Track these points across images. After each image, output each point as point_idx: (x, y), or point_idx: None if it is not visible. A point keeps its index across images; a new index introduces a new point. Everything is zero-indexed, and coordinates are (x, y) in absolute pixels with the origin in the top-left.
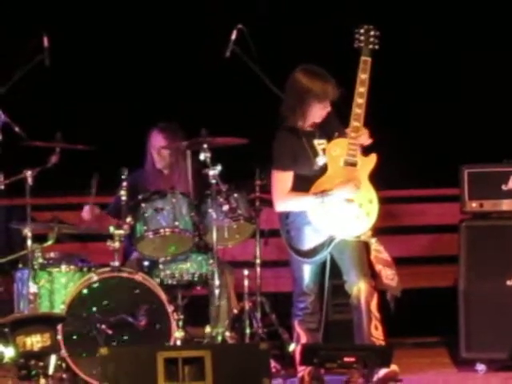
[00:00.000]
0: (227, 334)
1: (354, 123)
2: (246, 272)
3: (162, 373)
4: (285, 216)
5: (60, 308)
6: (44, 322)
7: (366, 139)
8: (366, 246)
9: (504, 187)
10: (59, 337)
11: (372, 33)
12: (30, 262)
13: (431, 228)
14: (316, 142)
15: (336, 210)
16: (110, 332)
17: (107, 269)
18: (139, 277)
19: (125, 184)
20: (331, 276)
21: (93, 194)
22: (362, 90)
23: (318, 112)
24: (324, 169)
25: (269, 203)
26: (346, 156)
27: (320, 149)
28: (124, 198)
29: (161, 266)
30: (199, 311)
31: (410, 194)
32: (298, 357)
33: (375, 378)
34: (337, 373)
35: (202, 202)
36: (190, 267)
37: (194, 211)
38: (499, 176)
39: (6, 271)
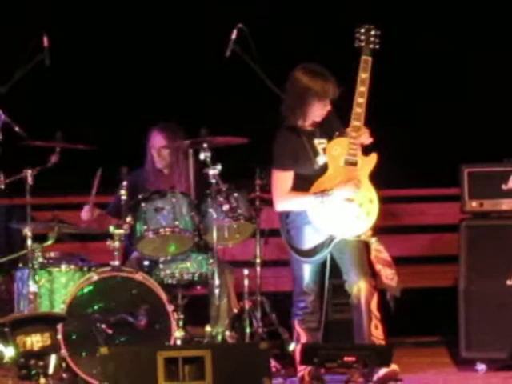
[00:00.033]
0: (227, 333)
1: (354, 122)
2: (246, 271)
3: (162, 372)
4: (285, 215)
5: (60, 308)
6: (44, 322)
7: (366, 139)
8: (366, 246)
9: (504, 187)
10: (59, 336)
11: (372, 32)
12: (30, 262)
13: (431, 227)
14: (316, 141)
15: (336, 209)
16: (110, 331)
17: (107, 268)
18: (139, 276)
19: (125, 184)
20: (331, 275)
21: (94, 189)
22: (362, 89)
23: (318, 111)
24: (324, 168)
25: (269, 203)
26: (346, 155)
27: (320, 148)
28: (124, 197)
29: (161, 266)
30: (199, 311)
31: (411, 193)
32: (298, 356)
33: (375, 378)
34: (337, 372)
35: (202, 201)
36: (190, 267)
37: (194, 211)
38: (499, 175)
39: (6, 271)
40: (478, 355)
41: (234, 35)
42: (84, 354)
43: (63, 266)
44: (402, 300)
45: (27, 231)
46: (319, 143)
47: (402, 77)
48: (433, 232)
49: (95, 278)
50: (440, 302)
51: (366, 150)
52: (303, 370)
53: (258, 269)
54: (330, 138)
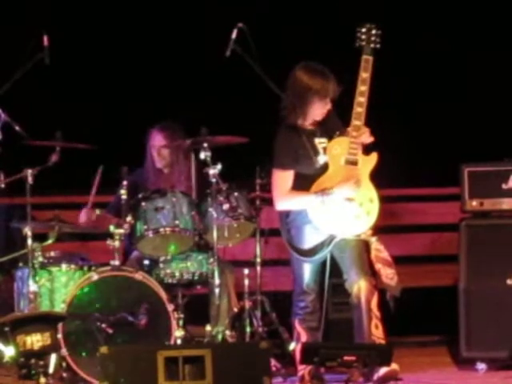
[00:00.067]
0: (227, 333)
1: (354, 122)
2: (246, 271)
3: (162, 372)
4: (285, 215)
5: (60, 307)
6: (44, 321)
7: (366, 138)
8: (366, 245)
9: (504, 186)
10: (59, 336)
11: (373, 31)
12: (30, 261)
13: (431, 227)
14: (317, 140)
15: (336, 208)
16: (110, 331)
17: (107, 268)
18: (139, 276)
19: (125, 183)
20: (331, 275)
21: (95, 188)
22: (363, 88)
23: (318, 110)
24: (325, 168)
25: (269, 202)
26: (346, 155)
27: (321, 147)
28: (124, 196)
29: (161, 265)
30: (199, 310)
31: (411, 192)
32: (298, 356)
33: (375, 377)
34: (337, 372)
35: (202, 201)
36: (190, 266)
37: (195, 210)
38: (499, 175)
39: (6, 270)
40: (478, 355)
41: (234, 35)
42: (84, 353)
43: (63, 266)
44: (402, 299)
45: (27, 230)
46: (319, 142)
47: (402, 77)
48: (433, 231)
49: (95, 277)
50: (440, 301)
51: (367, 150)
52: (303, 370)
53: (258, 268)
54: (330, 138)
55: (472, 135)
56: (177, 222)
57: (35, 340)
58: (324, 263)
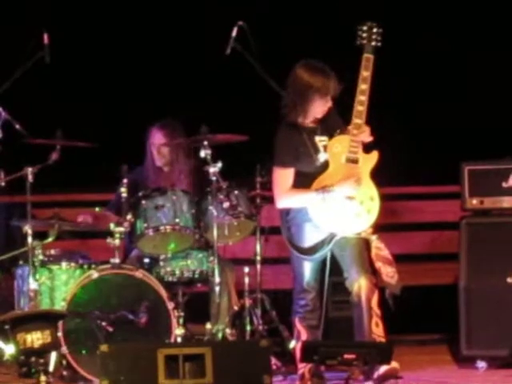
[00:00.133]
0: (228, 331)
1: (355, 120)
2: (246, 269)
3: (162, 370)
4: (285, 213)
5: (60, 305)
6: (44, 319)
7: (367, 136)
8: (366, 243)
9: (504, 184)
10: (60, 334)
11: (375, 30)
12: (30, 259)
13: (432, 225)
14: (317, 138)
15: (337, 206)
16: (110, 329)
17: (108, 266)
18: (139, 274)
19: (125, 181)
20: (331, 273)
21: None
22: (364, 87)
23: (319, 107)
24: (325, 166)
25: (269, 200)
26: (347, 153)
27: (321, 145)
28: (124, 195)
29: (161, 263)
30: (200, 308)
31: (411, 191)
32: (298, 354)
33: (375, 375)
34: (337, 370)
35: (202, 199)
36: (190, 264)
37: (195, 208)
38: (499, 173)
39: (6, 268)
40: (478, 353)
41: (234, 33)
42: (84, 351)
43: (63, 264)
44: (402, 298)
45: (27, 229)
46: (320, 140)
47: (403, 76)
48: (433, 230)
49: (95, 275)
50: (440, 299)
51: (367, 148)
52: (303, 368)
53: (259, 266)
54: (330, 136)
55: (472, 133)
56: (177, 220)
57: (35, 338)
58: (324, 261)
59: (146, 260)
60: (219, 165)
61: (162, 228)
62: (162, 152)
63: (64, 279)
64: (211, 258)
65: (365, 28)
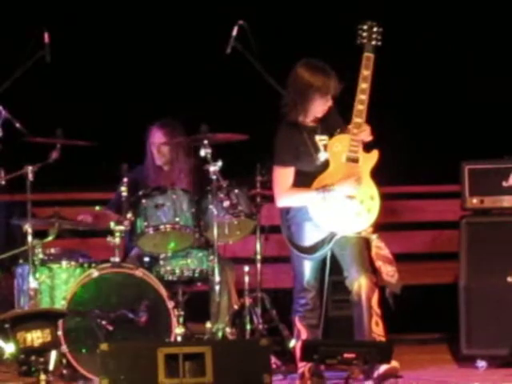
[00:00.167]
0: (228, 330)
1: (355, 119)
2: (246, 268)
3: (162, 369)
4: (285, 212)
5: (60, 304)
6: (44, 318)
7: (367, 135)
8: (366, 243)
9: (504, 183)
10: (60, 333)
11: (375, 29)
12: (30, 258)
13: (432, 224)
14: (318, 137)
15: (337, 206)
16: (110, 328)
17: (108, 264)
18: (140, 272)
19: (125, 180)
20: (331, 272)
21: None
22: (364, 86)
23: (319, 107)
24: (325, 165)
25: (269, 199)
26: (347, 152)
27: (321, 144)
28: (124, 194)
29: (161, 262)
30: (200, 307)
31: (411, 190)
32: (298, 353)
33: (375, 374)
34: (337, 369)
35: (202, 198)
36: (190, 263)
37: (195, 207)
38: (500, 172)
39: (6, 267)
40: (478, 352)
41: (234, 32)
42: (84, 350)
43: (64, 263)
44: (402, 297)
45: (28, 227)
46: (320, 140)
47: (403, 76)
48: (433, 229)
49: (95, 274)
50: (440, 298)
51: (368, 147)
52: (303, 367)
53: (259, 265)
54: (331, 135)
55: (472, 133)
56: (177, 219)
57: (35, 337)
58: (324, 260)
59: (146, 259)
60: (219, 164)
61: (162, 227)
62: (162, 151)
63: (64, 278)
64: (211, 257)
65: (365, 27)
